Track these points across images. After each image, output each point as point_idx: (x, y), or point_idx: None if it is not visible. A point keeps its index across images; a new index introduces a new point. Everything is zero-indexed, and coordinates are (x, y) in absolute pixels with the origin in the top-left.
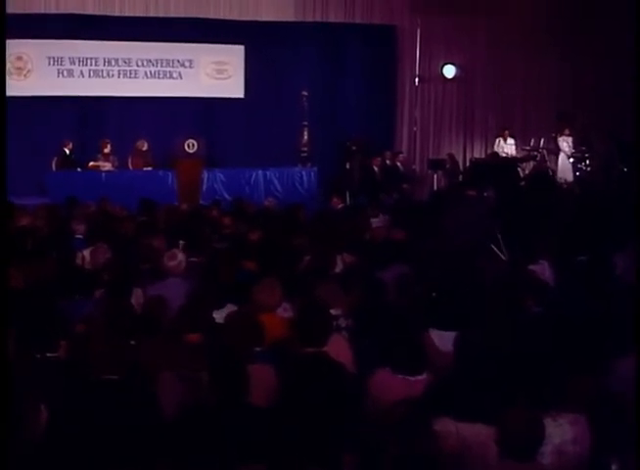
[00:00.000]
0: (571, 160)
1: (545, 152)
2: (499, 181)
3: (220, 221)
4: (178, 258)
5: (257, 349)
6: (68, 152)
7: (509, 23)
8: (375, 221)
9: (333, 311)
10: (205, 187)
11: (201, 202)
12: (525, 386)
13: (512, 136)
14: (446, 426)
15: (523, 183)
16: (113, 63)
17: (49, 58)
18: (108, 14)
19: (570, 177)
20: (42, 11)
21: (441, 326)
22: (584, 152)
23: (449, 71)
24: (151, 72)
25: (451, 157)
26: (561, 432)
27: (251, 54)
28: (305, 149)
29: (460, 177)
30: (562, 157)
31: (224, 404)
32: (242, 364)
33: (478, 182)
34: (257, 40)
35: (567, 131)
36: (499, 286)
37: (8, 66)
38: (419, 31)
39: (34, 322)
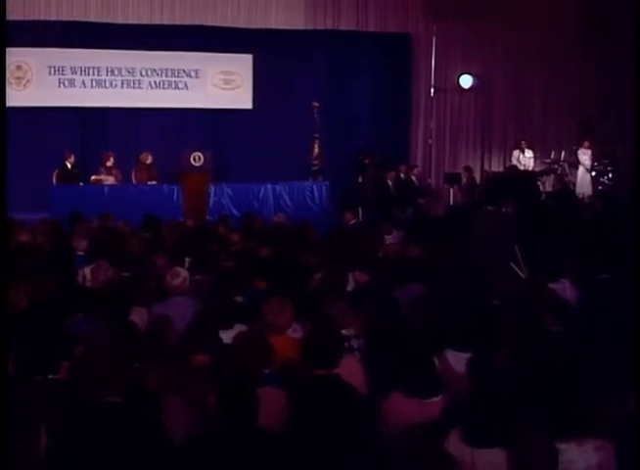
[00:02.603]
0: (593, 173)
1: (566, 165)
2: (518, 196)
3: (228, 238)
4: (181, 276)
5: (267, 371)
6: (69, 165)
7: (528, 31)
8: (389, 238)
9: (344, 332)
10: (211, 202)
11: (207, 217)
12: (545, 409)
13: (530, 148)
14: (460, 450)
15: (543, 197)
16: (116, 72)
17: (49, 67)
18: (111, 21)
19: (589, 191)
20: (42, 18)
21: (458, 347)
22: (607, 165)
23: (466, 81)
24: (155, 83)
25: (468, 170)
26: (585, 457)
27: (259, 63)
28: (316, 162)
29: (477, 192)
30: (581, 170)
31: (233, 429)
32: (251, 387)
33: (496, 197)
34: (266, 49)
35: (586, 143)
36: (518, 305)
37: (7, 75)
38: (434, 40)
39: (35, 342)
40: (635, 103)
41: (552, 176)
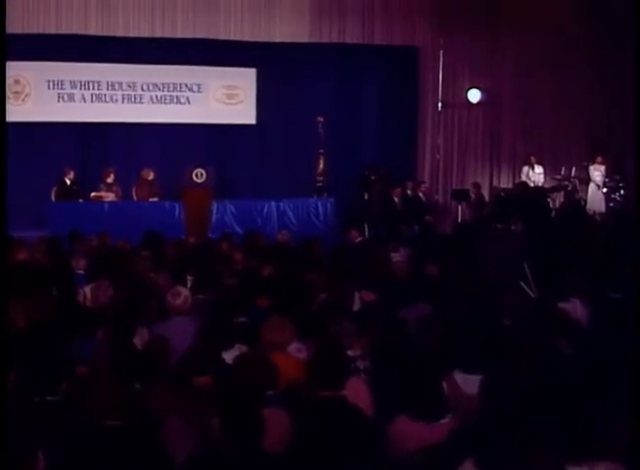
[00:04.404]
0: (605, 190)
1: (577, 181)
2: (528, 213)
3: (231, 256)
4: (183, 295)
5: (271, 392)
6: (68, 182)
7: (538, 44)
8: (395, 256)
9: (350, 352)
10: (214, 219)
11: (210, 235)
12: (557, 432)
13: (540, 164)
14: None
15: (553, 215)
16: (116, 87)
17: (48, 81)
18: (111, 34)
19: (601, 208)
20: (41, 31)
21: (467, 369)
22: (618, 181)
23: (474, 96)
24: (157, 97)
25: (476, 187)
26: None
27: (263, 77)
28: (321, 178)
29: (486, 209)
30: (592, 187)
31: (236, 451)
32: (256, 409)
33: (505, 215)
34: (270, 63)
35: (599, 159)
36: (528, 326)
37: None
38: (442, 53)
39: (33, 362)
40: (637, 116)
41: (562, 193)
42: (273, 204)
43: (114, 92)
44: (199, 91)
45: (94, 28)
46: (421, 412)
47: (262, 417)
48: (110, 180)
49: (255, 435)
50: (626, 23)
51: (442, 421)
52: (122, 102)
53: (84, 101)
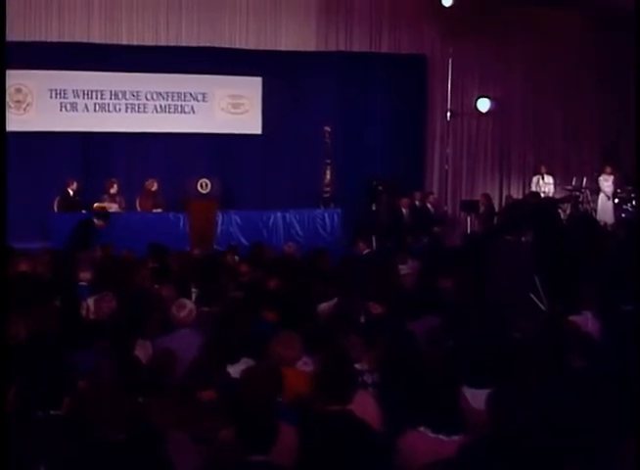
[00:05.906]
0: (616, 200)
1: (588, 192)
2: (539, 224)
3: (236, 268)
4: (187, 307)
5: (277, 404)
6: (71, 192)
7: (548, 52)
8: (403, 268)
9: (358, 366)
10: (219, 231)
11: (215, 247)
12: (568, 448)
13: (550, 174)
14: None
15: (564, 226)
16: (120, 96)
17: (51, 90)
18: (114, 43)
19: (610, 219)
20: (43, 39)
21: (476, 384)
22: (630, 192)
23: (484, 105)
24: (161, 106)
25: (486, 197)
26: None
27: (269, 86)
28: (328, 189)
29: (495, 219)
30: (602, 197)
31: (245, 466)
32: (266, 421)
33: (515, 226)
34: (276, 72)
35: (608, 169)
36: (539, 339)
37: (6, 98)
38: (451, 61)
39: (36, 377)
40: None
41: (572, 204)
42: (279, 215)
43: (117, 101)
44: (203, 100)
45: (97, 37)
46: (438, 425)
47: (273, 428)
48: (113, 191)
49: (266, 448)
50: (630, 25)
51: (456, 437)
52: (126, 111)
53: (87, 110)
